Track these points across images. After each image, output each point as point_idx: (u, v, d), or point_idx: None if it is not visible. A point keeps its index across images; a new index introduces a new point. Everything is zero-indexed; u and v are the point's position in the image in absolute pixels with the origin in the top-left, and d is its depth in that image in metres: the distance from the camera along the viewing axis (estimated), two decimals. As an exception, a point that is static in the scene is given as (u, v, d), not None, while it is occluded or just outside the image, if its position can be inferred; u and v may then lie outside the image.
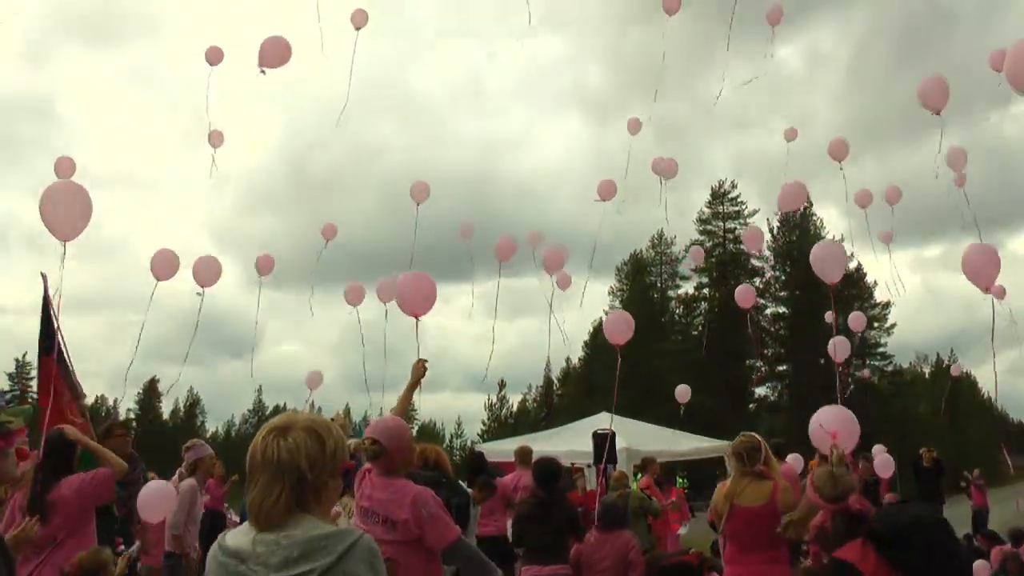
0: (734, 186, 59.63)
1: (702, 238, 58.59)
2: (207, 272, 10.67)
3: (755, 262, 58.52)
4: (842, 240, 53.49)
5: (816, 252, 8.60)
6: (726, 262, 57.95)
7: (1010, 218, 62.96)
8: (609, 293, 60.86)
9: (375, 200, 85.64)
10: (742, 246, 58.65)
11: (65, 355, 7.02)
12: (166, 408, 75.61)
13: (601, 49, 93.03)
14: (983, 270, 7.22)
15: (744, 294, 15.96)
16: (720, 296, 55.84)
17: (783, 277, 57.70)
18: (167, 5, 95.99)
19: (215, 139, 12.45)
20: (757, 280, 58.54)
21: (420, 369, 5.80)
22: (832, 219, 61.27)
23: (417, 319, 7.12)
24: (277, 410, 70.85)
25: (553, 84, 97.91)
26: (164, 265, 9.74)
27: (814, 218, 57.10)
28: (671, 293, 60.68)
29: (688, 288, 60.28)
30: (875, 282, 54.25)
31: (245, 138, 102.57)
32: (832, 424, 6.00)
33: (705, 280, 58.94)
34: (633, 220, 75.78)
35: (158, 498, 7.03)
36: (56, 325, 7.05)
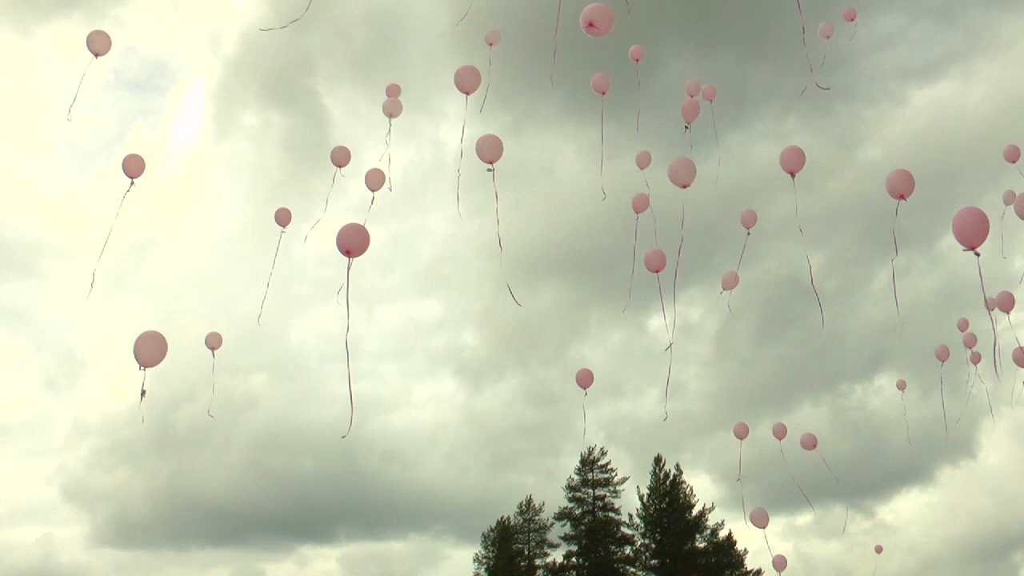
0: (604, 453, 59.27)
1: (572, 504, 57.35)
2: None
3: (625, 530, 57.45)
4: (713, 508, 54.53)
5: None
6: (595, 530, 56.59)
7: (879, 487, 65.19)
8: (475, 560, 58.41)
9: (239, 457, 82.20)
10: (612, 513, 58.00)
11: None
12: None
13: (476, 313, 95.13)
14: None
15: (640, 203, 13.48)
16: (590, 565, 54.08)
17: (653, 545, 56.54)
18: (39, 244, 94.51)
19: None
20: (627, 548, 57.27)
21: None
22: (704, 487, 61.23)
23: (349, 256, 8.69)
24: None
25: (427, 345, 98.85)
26: None
27: (684, 486, 56.98)
28: (539, 561, 58.44)
29: (557, 556, 58.25)
30: (745, 550, 54.01)
31: (108, 383, 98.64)
32: None
33: (575, 548, 57.16)
34: (502, 485, 74.51)
35: None
36: None
